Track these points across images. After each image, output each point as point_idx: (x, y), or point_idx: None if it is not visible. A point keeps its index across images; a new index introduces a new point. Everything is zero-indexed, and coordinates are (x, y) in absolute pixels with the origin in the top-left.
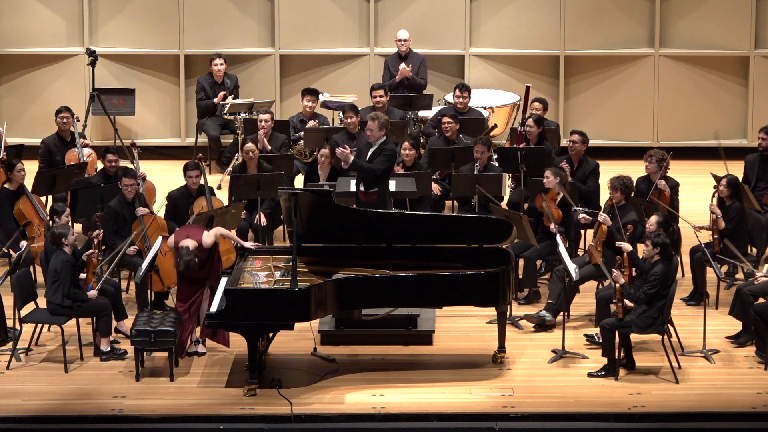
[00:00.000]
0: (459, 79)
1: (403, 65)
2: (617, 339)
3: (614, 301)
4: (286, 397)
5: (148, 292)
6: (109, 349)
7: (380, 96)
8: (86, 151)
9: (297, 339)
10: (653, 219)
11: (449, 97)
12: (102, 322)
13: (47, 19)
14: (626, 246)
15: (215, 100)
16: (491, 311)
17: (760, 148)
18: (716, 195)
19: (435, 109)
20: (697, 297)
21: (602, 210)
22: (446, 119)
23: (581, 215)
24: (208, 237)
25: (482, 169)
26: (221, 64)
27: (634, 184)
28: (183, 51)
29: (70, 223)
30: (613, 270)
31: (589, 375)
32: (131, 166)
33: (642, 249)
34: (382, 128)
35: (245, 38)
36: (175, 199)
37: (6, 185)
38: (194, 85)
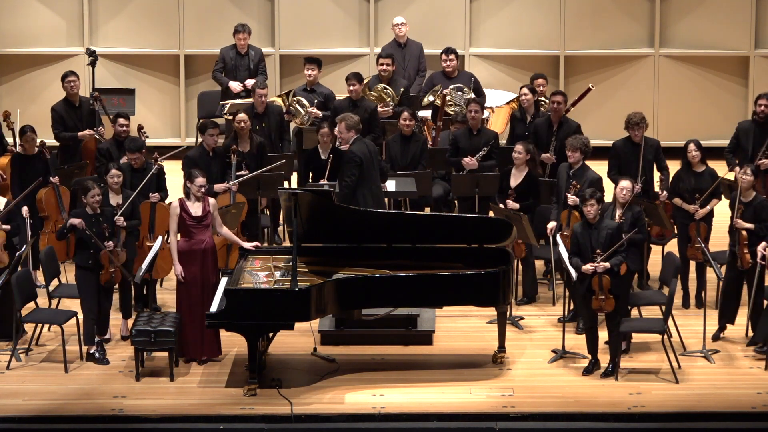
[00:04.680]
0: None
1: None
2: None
3: (601, 297)
4: (286, 397)
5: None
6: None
7: (387, 65)
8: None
9: (297, 339)
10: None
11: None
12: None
13: (47, 19)
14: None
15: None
16: (491, 311)
17: (762, 116)
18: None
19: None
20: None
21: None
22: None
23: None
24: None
25: (476, 131)
26: (245, 39)
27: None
28: (183, 51)
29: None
30: (589, 266)
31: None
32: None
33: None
34: (351, 129)
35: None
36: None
37: (18, 149)
38: (194, 85)
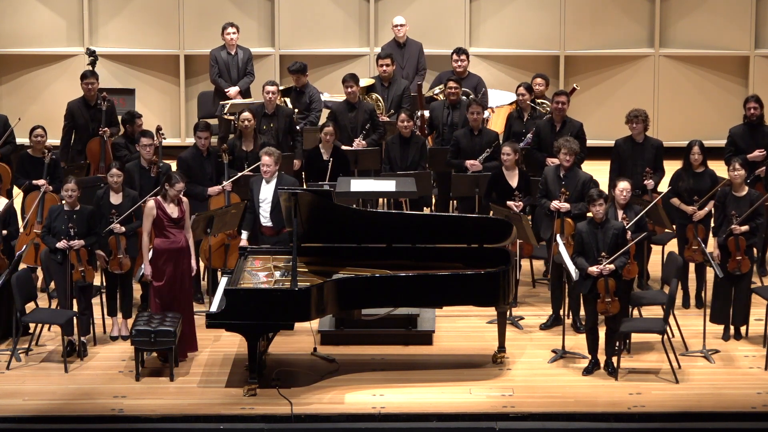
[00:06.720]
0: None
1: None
2: (603, 337)
3: (607, 300)
4: (286, 397)
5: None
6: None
7: (387, 65)
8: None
9: (297, 339)
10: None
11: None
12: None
13: (47, 19)
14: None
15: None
16: (491, 311)
17: (754, 118)
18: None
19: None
20: (697, 302)
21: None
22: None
23: (553, 205)
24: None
25: (476, 131)
26: (234, 33)
27: (622, 143)
28: (183, 51)
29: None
30: (595, 268)
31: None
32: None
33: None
34: (278, 163)
35: (245, 38)
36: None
37: (29, 150)
38: (194, 85)
